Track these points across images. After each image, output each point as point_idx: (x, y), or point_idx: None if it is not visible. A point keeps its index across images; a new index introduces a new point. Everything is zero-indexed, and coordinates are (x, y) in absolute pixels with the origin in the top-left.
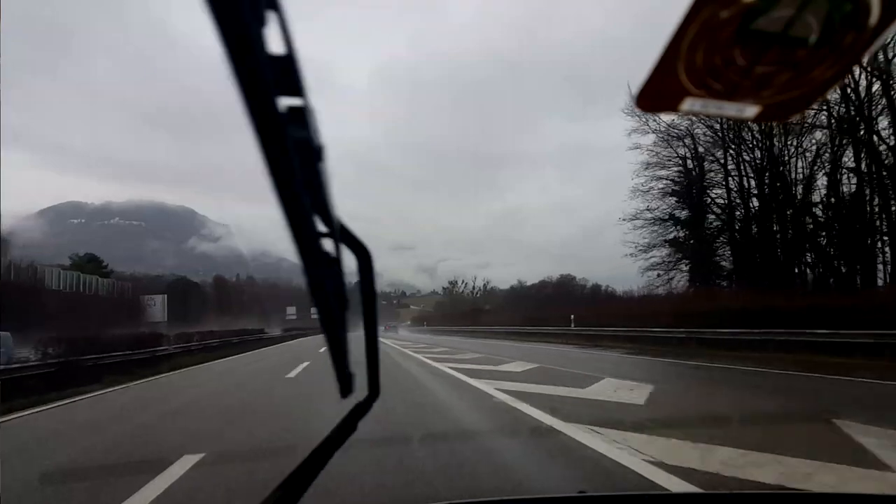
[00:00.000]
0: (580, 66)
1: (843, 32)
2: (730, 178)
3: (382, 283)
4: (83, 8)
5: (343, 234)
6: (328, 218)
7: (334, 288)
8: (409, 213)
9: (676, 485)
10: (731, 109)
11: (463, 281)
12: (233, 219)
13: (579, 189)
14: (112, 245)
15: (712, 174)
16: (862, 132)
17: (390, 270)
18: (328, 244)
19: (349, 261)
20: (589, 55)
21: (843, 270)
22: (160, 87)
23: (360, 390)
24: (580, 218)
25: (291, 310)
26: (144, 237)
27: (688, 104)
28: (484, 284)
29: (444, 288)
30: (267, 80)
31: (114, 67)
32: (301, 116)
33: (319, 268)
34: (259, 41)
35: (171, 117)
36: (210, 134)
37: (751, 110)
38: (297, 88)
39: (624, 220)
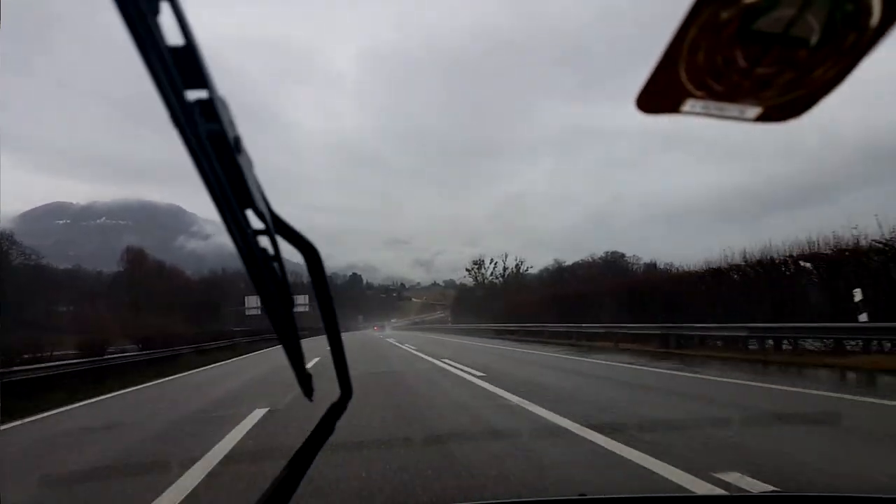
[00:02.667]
0: (579, 41)
1: (845, 33)
2: None
3: (379, 277)
4: None
5: (282, 230)
6: (260, 213)
7: (276, 286)
8: (404, 204)
9: None
10: (732, 111)
11: (492, 260)
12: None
13: (581, 174)
14: (98, 245)
15: None
16: None
17: (387, 265)
18: (266, 241)
19: (298, 257)
20: (589, 29)
21: None
22: (139, 78)
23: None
24: (582, 203)
25: (253, 300)
26: (131, 236)
27: (689, 105)
28: (517, 265)
29: (467, 269)
30: (168, 73)
31: (90, 59)
32: (211, 109)
33: (258, 266)
34: (154, 32)
35: (152, 111)
36: None
37: (752, 111)
38: (202, 80)
39: None
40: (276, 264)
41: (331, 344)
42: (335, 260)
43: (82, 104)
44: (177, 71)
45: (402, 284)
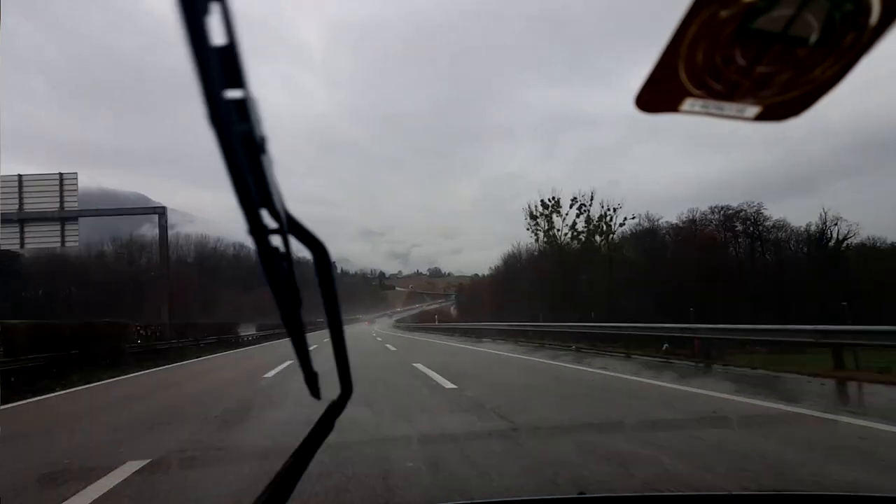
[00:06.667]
0: (569, 17)
1: (844, 32)
2: None
3: (353, 269)
4: None
5: (294, 229)
6: (275, 212)
7: (286, 285)
8: (378, 194)
9: None
10: (731, 109)
11: (574, 201)
12: (190, 205)
13: (565, 163)
14: None
15: None
16: None
17: (361, 256)
18: (278, 240)
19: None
20: (578, 3)
21: None
22: (95, 55)
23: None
24: (566, 191)
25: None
26: (90, 223)
27: (688, 104)
28: (605, 213)
29: (532, 215)
30: (214, 73)
31: (38, 32)
32: (244, 108)
33: (273, 265)
34: (204, 32)
35: (109, 91)
36: (155, 111)
37: (751, 110)
38: (239, 80)
39: None
40: (285, 263)
41: (333, 341)
42: (304, 250)
43: (26, 78)
44: (220, 70)
45: (383, 273)
